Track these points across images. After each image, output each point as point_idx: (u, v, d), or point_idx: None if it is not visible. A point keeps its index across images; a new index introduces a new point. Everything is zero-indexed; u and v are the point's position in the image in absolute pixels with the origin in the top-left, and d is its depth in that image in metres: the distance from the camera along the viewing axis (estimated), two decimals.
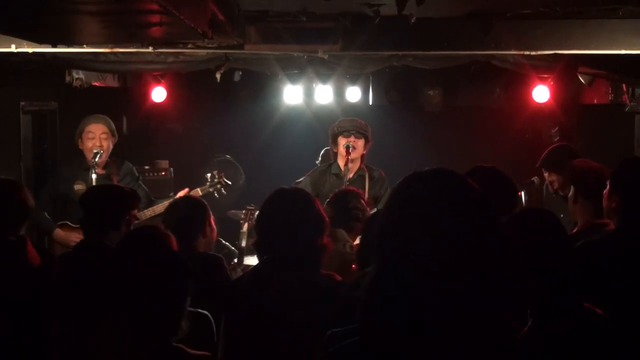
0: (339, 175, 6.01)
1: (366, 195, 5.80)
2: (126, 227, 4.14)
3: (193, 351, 2.74)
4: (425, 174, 1.66)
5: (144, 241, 3.21)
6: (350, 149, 5.88)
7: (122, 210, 4.12)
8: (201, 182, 6.28)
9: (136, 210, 4.34)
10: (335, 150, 6.14)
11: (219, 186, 6.24)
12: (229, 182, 6.39)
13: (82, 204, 4.14)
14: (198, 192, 6.10)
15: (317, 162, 7.19)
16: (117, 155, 6.19)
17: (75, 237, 5.59)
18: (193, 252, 4.17)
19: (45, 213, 5.84)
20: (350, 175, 5.93)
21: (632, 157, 3.74)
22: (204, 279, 3.85)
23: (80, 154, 5.96)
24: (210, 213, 4.41)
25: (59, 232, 5.76)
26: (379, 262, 1.62)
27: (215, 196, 6.20)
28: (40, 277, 3.78)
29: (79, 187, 5.69)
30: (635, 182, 3.43)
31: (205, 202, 4.45)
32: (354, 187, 5.49)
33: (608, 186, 3.50)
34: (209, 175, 6.27)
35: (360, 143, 5.96)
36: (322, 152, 7.28)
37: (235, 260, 5.89)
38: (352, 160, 5.94)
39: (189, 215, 4.28)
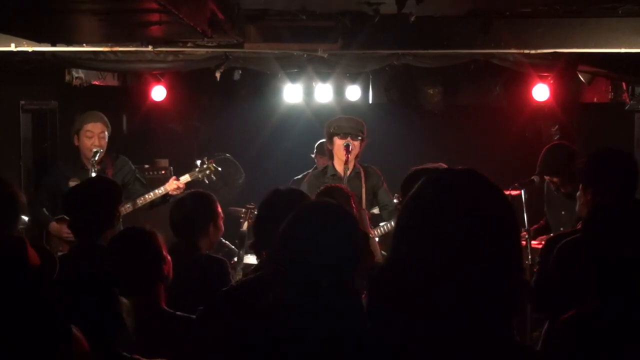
0: (335, 176, 5.96)
1: (363, 190, 5.79)
2: (117, 222, 4.13)
3: None
4: (440, 174, 1.63)
5: None
6: (351, 147, 5.81)
7: (113, 208, 4.10)
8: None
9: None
10: (329, 148, 6.04)
11: (207, 172, 6.17)
12: (219, 168, 6.33)
13: (68, 209, 4.11)
14: (187, 178, 6.08)
15: (312, 155, 7.17)
16: (113, 151, 6.19)
17: (68, 229, 5.62)
18: (195, 253, 4.16)
19: (44, 209, 5.86)
20: (347, 174, 5.87)
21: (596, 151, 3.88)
22: (207, 284, 3.83)
23: (76, 152, 5.95)
24: (219, 212, 4.38)
25: (53, 225, 5.76)
26: (389, 260, 1.59)
27: (205, 182, 6.12)
28: (41, 278, 3.75)
29: (74, 184, 5.69)
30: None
31: (215, 200, 4.40)
32: (351, 184, 5.47)
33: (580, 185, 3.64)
34: (198, 162, 6.22)
35: (357, 144, 5.89)
36: (316, 144, 7.26)
37: (235, 259, 5.89)
38: (350, 160, 5.86)
39: (191, 213, 4.27)
